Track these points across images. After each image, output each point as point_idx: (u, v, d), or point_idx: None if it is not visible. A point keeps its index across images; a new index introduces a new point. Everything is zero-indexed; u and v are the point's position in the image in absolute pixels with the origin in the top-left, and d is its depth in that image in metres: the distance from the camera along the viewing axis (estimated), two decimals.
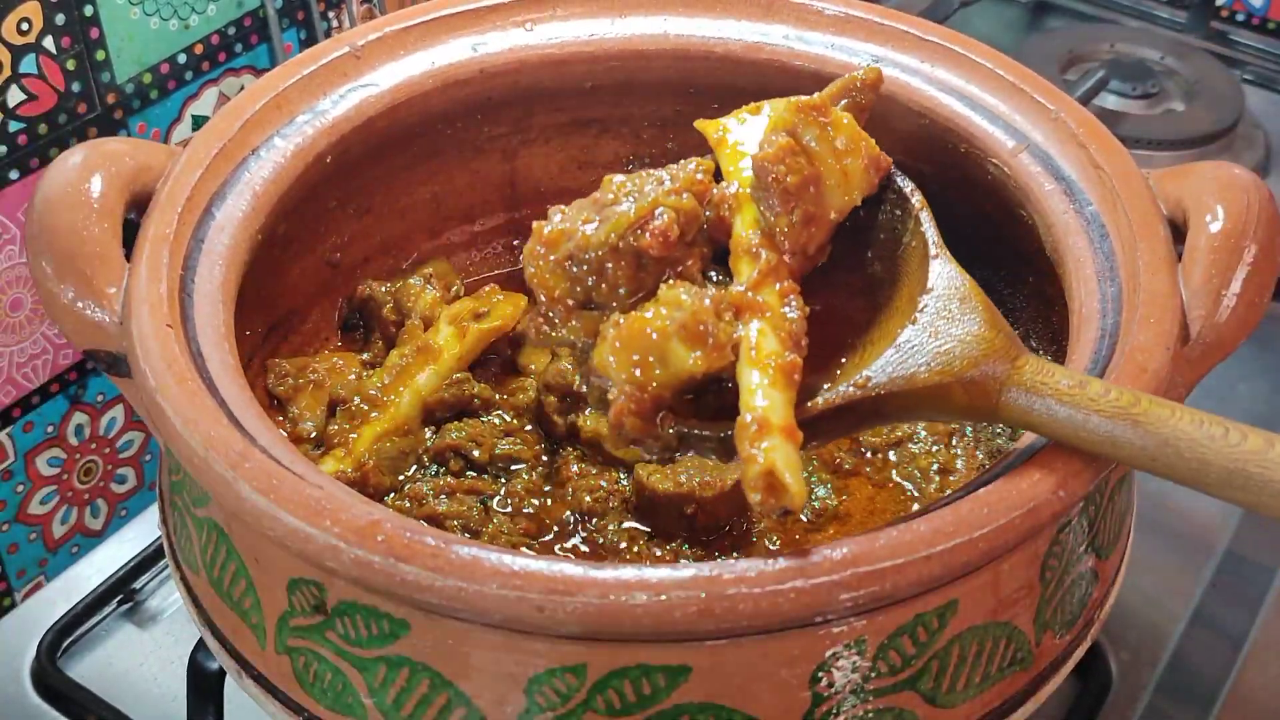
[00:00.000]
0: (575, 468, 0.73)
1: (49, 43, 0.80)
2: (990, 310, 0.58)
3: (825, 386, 0.57)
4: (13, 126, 0.81)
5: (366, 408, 0.73)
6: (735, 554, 0.69)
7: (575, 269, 0.60)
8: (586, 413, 0.74)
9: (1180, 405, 0.52)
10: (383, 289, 0.79)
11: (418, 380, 0.74)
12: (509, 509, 0.72)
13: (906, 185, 0.64)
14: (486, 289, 0.80)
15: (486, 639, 0.51)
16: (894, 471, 0.73)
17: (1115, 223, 0.65)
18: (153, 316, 0.59)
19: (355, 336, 0.81)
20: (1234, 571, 0.84)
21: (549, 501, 0.72)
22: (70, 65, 0.82)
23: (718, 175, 0.64)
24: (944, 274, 0.60)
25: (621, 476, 0.73)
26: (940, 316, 0.58)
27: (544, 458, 0.75)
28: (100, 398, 0.92)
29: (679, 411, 0.57)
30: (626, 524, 0.71)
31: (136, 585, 0.82)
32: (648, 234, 0.59)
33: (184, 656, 0.72)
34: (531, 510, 0.72)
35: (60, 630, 0.79)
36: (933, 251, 0.61)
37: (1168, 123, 1.15)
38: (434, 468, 0.74)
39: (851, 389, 0.57)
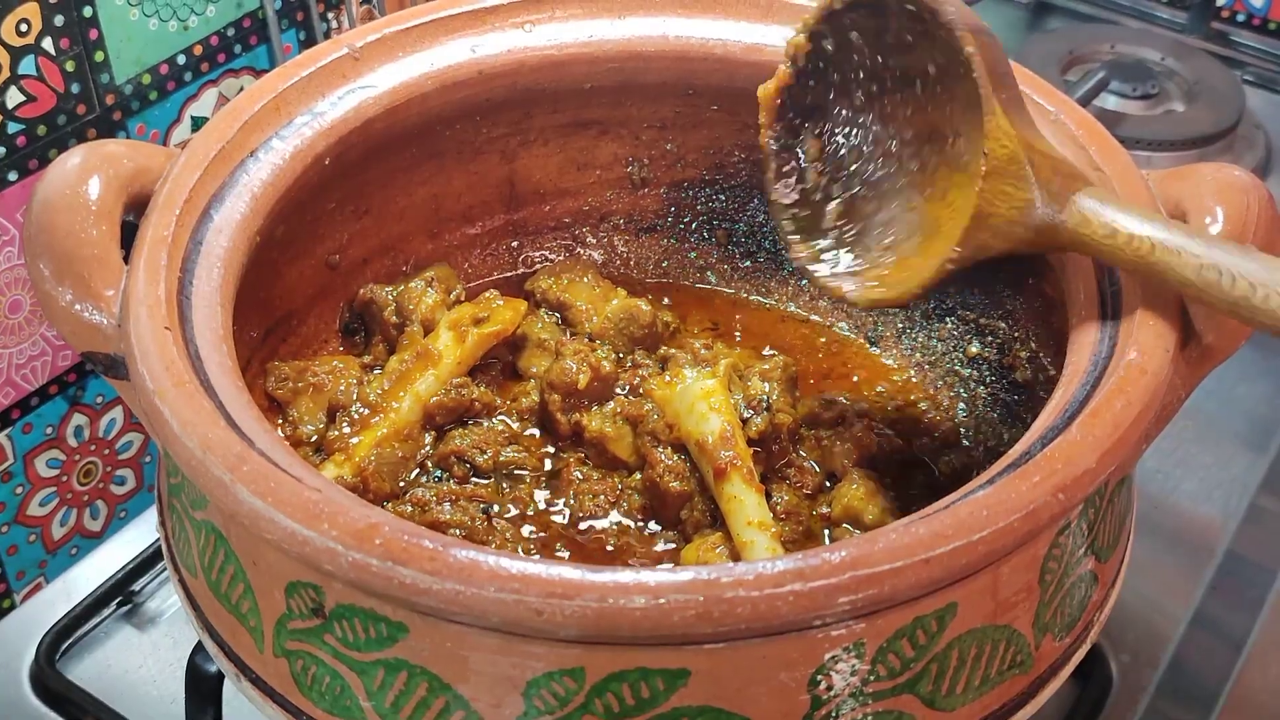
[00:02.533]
0: (578, 473, 0.73)
1: (48, 44, 0.80)
2: (1039, 168, 0.61)
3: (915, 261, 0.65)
4: (12, 128, 0.81)
5: (367, 413, 0.73)
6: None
7: None
8: (591, 410, 0.74)
9: (1186, 250, 0.58)
10: (384, 292, 0.79)
11: (418, 386, 0.74)
12: (512, 515, 0.72)
13: (957, 31, 0.62)
14: (487, 294, 0.80)
15: (485, 642, 0.51)
16: None
17: None
18: (151, 319, 0.59)
19: (355, 341, 0.81)
20: (1234, 573, 0.83)
21: (551, 506, 0.72)
22: (69, 66, 0.82)
23: None
24: (997, 135, 0.61)
25: (619, 482, 0.73)
26: (1002, 184, 0.61)
27: (547, 464, 0.75)
28: (99, 399, 0.92)
29: None
30: (627, 525, 0.71)
31: (135, 587, 0.82)
32: None
33: (183, 659, 0.72)
34: (534, 515, 0.72)
35: (59, 632, 0.79)
36: (987, 109, 0.61)
37: (1168, 123, 1.14)
38: (437, 473, 0.74)
39: (945, 265, 0.64)
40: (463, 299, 0.80)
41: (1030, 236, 0.61)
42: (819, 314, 0.85)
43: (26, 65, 0.80)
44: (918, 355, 0.82)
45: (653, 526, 0.72)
